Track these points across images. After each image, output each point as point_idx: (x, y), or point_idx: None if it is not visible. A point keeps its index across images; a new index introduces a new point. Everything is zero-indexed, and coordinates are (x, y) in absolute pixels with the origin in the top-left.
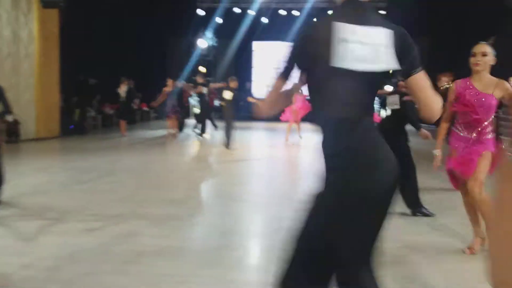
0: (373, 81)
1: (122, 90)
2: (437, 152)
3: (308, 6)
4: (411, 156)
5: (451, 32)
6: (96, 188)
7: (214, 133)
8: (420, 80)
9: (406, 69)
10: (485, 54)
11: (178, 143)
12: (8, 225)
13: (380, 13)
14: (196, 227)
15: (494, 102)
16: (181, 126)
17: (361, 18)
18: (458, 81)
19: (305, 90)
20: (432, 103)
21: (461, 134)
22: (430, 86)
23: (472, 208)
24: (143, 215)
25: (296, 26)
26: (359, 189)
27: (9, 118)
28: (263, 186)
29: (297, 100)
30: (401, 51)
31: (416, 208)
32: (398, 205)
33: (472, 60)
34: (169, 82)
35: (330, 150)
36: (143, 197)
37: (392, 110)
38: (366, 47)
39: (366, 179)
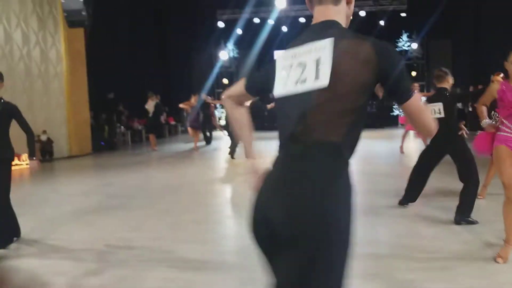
0: (337, 98)
1: (150, 105)
2: (488, 121)
3: None
4: (474, 160)
5: (471, 34)
6: (134, 208)
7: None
8: (416, 102)
9: (401, 96)
10: None
11: (206, 156)
12: (57, 250)
13: (355, 32)
14: (234, 242)
15: None
16: (208, 139)
17: (316, 35)
18: (498, 83)
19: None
20: (430, 124)
21: None
22: (425, 106)
23: None
24: (180, 232)
25: None
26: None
27: (43, 137)
28: None
29: None
30: (384, 71)
31: (465, 216)
32: (438, 211)
33: (508, 66)
34: (193, 98)
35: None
36: (179, 214)
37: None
38: (307, 66)
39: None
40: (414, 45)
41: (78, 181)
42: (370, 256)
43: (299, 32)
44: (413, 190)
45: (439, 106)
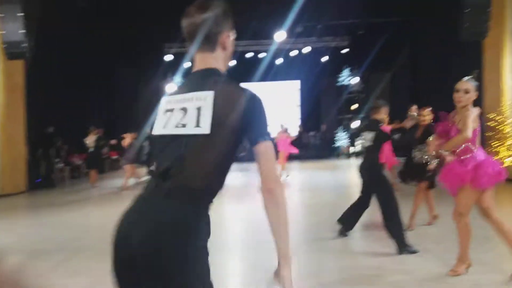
0: (210, 144)
1: (91, 139)
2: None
3: (273, 47)
4: (393, 192)
5: (409, 67)
6: (72, 251)
7: None
8: (267, 149)
9: (255, 138)
10: (467, 91)
11: None
12: None
13: (232, 81)
14: None
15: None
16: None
17: (198, 85)
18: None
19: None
20: (271, 174)
21: None
22: (274, 158)
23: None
24: None
25: (262, 67)
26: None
27: None
28: (243, 231)
29: (281, 141)
30: (248, 115)
31: (402, 246)
32: (382, 244)
33: (455, 96)
34: (130, 136)
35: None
36: None
37: (364, 147)
38: (189, 112)
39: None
40: (355, 79)
41: (11, 222)
42: None
43: (187, 77)
44: (350, 219)
45: (372, 135)
